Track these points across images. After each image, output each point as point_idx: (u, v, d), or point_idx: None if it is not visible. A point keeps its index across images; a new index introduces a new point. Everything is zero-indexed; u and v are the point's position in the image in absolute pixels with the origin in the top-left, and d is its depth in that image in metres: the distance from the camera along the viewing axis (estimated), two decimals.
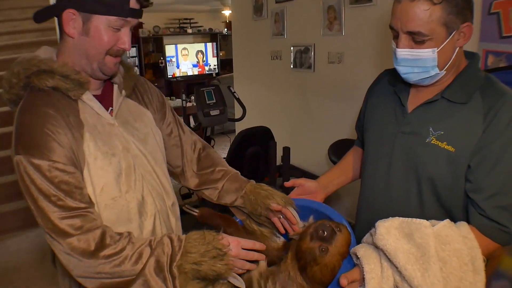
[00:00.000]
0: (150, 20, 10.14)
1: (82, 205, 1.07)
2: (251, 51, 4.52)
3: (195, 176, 1.50)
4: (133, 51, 10.02)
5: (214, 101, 3.13)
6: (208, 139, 3.55)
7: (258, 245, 1.16)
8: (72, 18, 1.10)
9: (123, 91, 1.27)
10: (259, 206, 1.33)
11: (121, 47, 1.13)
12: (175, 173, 1.49)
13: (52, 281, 3.08)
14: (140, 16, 1.15)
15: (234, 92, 3.41)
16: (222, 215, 1.23)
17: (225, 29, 11.25)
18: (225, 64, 11.14)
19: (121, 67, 1.30)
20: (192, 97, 6.73)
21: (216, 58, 10.65)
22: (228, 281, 1.11)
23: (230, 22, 10.91)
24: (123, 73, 1.30)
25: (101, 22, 1.09)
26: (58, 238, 1.04)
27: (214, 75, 10.56)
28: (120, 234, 1.09)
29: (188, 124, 7.12)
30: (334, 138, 3.02)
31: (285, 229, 1.33)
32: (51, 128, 1.06)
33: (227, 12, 9.46)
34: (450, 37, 1.12)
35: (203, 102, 3.10)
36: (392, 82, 1.38)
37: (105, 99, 1.22)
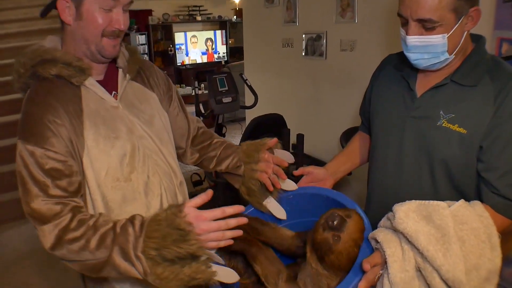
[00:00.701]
0: (159, 8, 10.13)
1: (66, 194, 1.12)
2: (262, 39, 4.51)
3: (196, 152, 1.53)
4: (142, 39, 10.03)
5: (227, 88, 3.14)
6: (219, 127, 3.57)
7: (231, 209, 1.08)
8: (66, 6, 1.14)
9: (127, 75, 1.29)
10: (254, 153, 1.37)
11: (116, 27, 1.16)
12: (178, 154, 1.50)
13: (66, 268, 3.12)
14: None
15: (246, 79, 3.42)
16: (246, 238, 1.25)
17: (235, 17, 11.21)
18: (234, 52, 11.11)
19: (125, 51, 1.33)
20: (202, 85, 6.75)
21: (225, 45, 10.63)
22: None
23: (239, 9, 10.87)
24: (128, 57, 1.33)
25: (92, 4, 1.12)
26: (35, 222, 1.11)
27: (223, 63, 10.55)
28: (91, 216, 1.12)
29: (198, 111, 7.15)
30: (345, 126, 3.03)
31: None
32: (50, 119, 1.12)
33: (237, 0, 9.41)
34: (459, 22, 1.14)
35: (215, 90, 3.11)
36: (398, 67, 1.40)
37: (109, 84, 1.26)
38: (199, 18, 10.64)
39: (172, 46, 9.92)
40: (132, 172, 1.23)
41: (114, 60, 1.28)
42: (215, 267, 1.08)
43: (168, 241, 1.01)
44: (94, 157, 1.17)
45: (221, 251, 1.18)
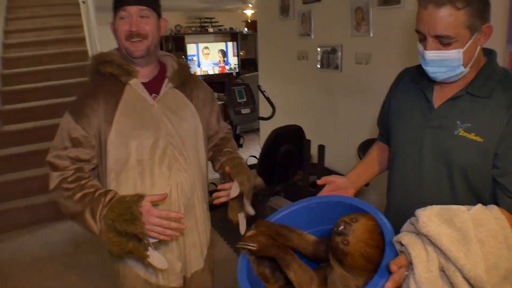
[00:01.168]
0: (172, 19, 10.28)
1: (78, 159, 1.47)
2: (277, 51, 4.60)
3: (211, 151, 1.80)
4: None
5: (245, 99, 3.23)
6: (237, 137, 3.64)
7: (173, 214, 1.39)
8: (111, 23, 1.49)
9: (170, 83, 1.55)
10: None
11: (130, 30, 1.42)
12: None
13: (85, 272, 3.21)
14: (139, 3, 1.42)
15: (264, 91, 3.50)
16: (279, 245, 1.32)
17: (246, 29, 11.34)
18: (245, 64, 11.22)
19: (176, 64, 1.61)
20: (216, 96, 6.86)
21: (236, 57, 10.75)
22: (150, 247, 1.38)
23: (250, 21, 11.02)
24: (176, 69, 1.59)
25: (117, 18, 1.43)
26: (50, 168, 1.48)
27: (234, 74, 10.66)
28: (84, 178, 1.46)
29: None
30: (362, 138, 3.08)
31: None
32: (89, 103, 1.46)
33: (248, 12, 9.53)
34: (473, 37, 1.22)
35: (234, 101, 3.19)
36: (415, 80, 1.47)
37: (152, 87, 1.53)
38: (211, 29, 10.78)
39: (184, 57, 10.05)
40: (150, 159, 1.49)
41: (164, 71, 1.58)
42: (150, 252, 1.38)
43: (121, 218, 1.32)
44: (115, 143, 1.46)
45: (253, 256, 1.28)
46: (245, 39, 11.28)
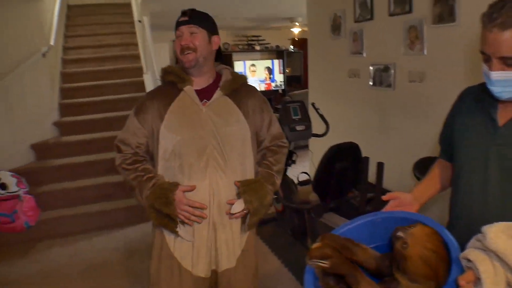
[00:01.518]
0: (220, 37, 10.54)
1: (134, 146, 1.81)
2: (327, 69, 4.63)
3: (258, 155, 1.93)
4: None
5: (300, 116, 3.28)
6: (290, 153, 3.69)
7: (197, 204, 1.70)
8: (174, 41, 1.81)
9: (221, 91, 1.76)
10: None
11: (181, 45, 1.70)
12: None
13: (138, 278, 3.30)
14: (188, 23, 1.69)
15: (318, 108, 3.54)
16: (348, 262, 1.35)
17: (291, 46, 11.47)
18: (291, 81, 11.32)
19: (230, 75, 1.82)
20: None
21: (282, 74, 10.87)
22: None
23: (297, 39, 11.15)
24: (229, 79, 1.80)
25: (176, 38, 1.73)
26: (116, 150, 1.85)
27: (280, 91, 10.77)
28: (139, 162, 1.80)
29: None
30: (415, 156, 3.05)
31: None
32: (147, 104, 1.79)
33: (295, 30, 9.65)
34: None
35: (289, 117, 3.25)
36: (478, 99, 1.49)
37: (204, 94, 1.75)
38: (257, 47, 10.97)
39: None
40: (187, 155, 1.72)
41: (219, 81, 1.81)
42: (180, 227, 1.73)
43: (159, 201, 1.67)
44: (164, 136, 1.73)
45: (322, 271, 1.34)
46: (290, 57, 11.40)
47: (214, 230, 1.77)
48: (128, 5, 7.89)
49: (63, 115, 5.61)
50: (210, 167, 1.72)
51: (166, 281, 1.82)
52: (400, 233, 1.21)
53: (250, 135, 1.81)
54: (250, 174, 1.83)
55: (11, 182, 4.21)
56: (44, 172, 4.79)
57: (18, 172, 4.40)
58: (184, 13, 1.74)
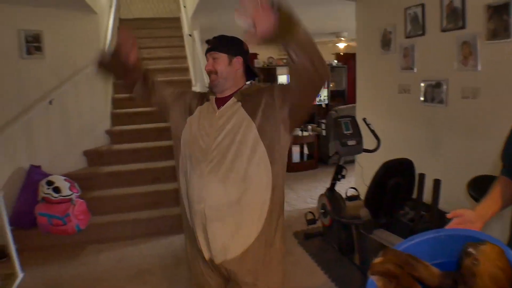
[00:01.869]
0: (265, 51, 10.69)
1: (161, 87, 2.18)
2: (376, 84, 4.62)
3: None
4: None
5: (351, 131, 3.30)
6: (340, 168, 3.70)
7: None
8: None
9: (234, 98, 1.92)
10: None
11: (206, 69, 1.97)
12: None
13: (186, 285, 3.36)
14: (211, 50, 1.95)
15: (369, 124, 3.54)
16: (412, 279, 1.35)
17: (335, 61, 11.47)
18: (335, 95, 11.30)
19: (246, 85, 2.01)
20: (309, 127, 6.99)
21: (326, 89, 10.86)
22: None
23: (341, 54, 11.14)
24: (246, 88, 1.98)
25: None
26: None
27: (323, 105, 10.76)
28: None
29: (301, 152, 7.35)
30: (468, 174, 2.98)
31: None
32: (190, 95, 2.09)
33: (341, 45, 9.66)
34: None
35: (340, 132, 3.27)
36: None
37: (223, 101, 1.93)
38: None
39: None
40: (194, 148, 1.88)
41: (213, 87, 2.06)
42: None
43: None
44: (189, 125, 1.95)
45: (381, 281, 1.32)
46: (334, 71, 11.39)
47: (205, 224, 1.85)
48: (177, 20, 8.17)
49: (114, 124, 5.82)
50: (212, 165, 1.82)
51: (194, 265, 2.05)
52: (471, 250, 1.20)
53: (262, 141, 1.84)
54: (257, 179, 1.84)
55: (65, 186, 4.40)
56: (95, 178, 4.99)
57: (70, 177, 4.61)
58: (207, 41, 2.04)
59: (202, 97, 2.07)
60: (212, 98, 1.99)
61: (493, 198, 1.72)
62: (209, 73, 1.98)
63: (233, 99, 1.93)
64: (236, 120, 1.86)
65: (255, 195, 1.84)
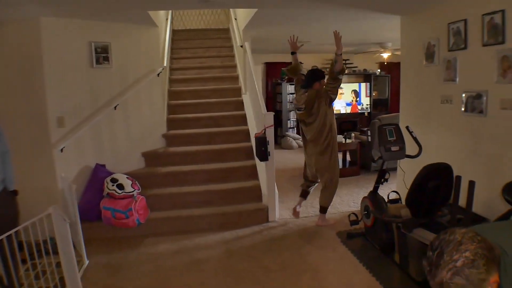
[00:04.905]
0: (309, 60, 10.95)
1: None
2: (420, 94, 4.80)
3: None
4: (291, 89, 10.86)
5: (394, 138, 3.54)
6: (383, 172, 3.94)
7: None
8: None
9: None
10: None
11: None
12: None
13: (241, 275, 3.67)
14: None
15: (412, 131, 3.76)
16: None
17: (378, 70, 11.59)
18: (377, 104, 11.42)
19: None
20: (353, 134, 7.21)
21: (369, 97, 11.01)
22: None
23: (384, 63, 11.27)
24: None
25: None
26: None
27: (366, 114, 10.91)
28: None
29: (344, 159, 7.57)
30: (503, 180, 3.13)
31: None
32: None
33: (385, 55, 9.81)
34: None
35: (384, 139, 3.52)
36: None
37: None
38: (346, 71, 11.21)
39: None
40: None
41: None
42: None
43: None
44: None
45: None
46: (377, 80, 11.52)
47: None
48: (227, 30, 8.58)
49: (169, 129, 6.26)
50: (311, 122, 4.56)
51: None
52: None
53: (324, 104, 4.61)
54: (328, 123, 4.63)
55: (127, 183, 4.83)
56: (152, 177, 5.42)
57: (131, 176, 5.03)
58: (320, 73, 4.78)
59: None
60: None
61: None
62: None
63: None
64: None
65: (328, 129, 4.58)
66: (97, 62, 5.05)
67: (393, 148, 3.54)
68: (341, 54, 4.55)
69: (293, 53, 4.98)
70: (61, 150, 4.47)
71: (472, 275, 1.24)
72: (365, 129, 7.57)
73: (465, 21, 3.94)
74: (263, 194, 5.18)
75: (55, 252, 3.14)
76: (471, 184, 2.77)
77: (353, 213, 4.41)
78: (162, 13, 6.76)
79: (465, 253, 1.25)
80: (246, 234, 4.65)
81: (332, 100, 4.62)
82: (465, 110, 3.99)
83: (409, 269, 3.44)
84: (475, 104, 3.86)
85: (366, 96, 10.97)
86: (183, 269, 3.85)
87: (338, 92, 4.69)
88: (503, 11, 3.47)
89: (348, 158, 7.64)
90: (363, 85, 10.95)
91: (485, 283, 1.26)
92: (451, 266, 1.26)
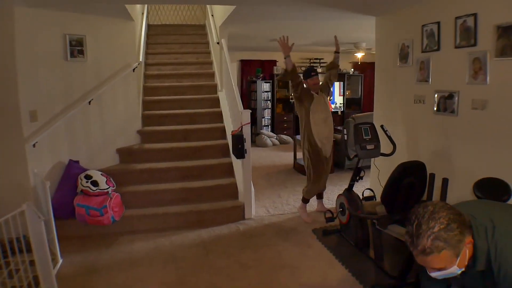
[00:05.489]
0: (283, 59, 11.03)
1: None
2: (393, 94, 4.90)
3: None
4: (266, 86, 10.90)
5: (370, 137, 3.61)
6: (359, 170, 4.01)
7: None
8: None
9: (321, 92, 4.83)
10: None
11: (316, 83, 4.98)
12: None
13: (218, 271, 3.69)
14: (317, 74, 4.94)
15: (387, 130, 3.85)
16: None
17: (352, 70, 11.76)
18: (350, 103, 11.58)
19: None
20: None
21: (342, 96, 11.16)
22: None
23: (357, 63, 11.43)
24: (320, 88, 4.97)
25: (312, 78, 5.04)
26: None
27: (339, 113, 11.05)
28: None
29: None
30: (474, 177, 3.25)
31: None
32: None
33: (359, 55, 9.95)
34: None
35: (360, 137, 3.59)
36: None
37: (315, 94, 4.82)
38: (319, 69, 11.33)
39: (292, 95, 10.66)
40: (320, 116, 4.77)
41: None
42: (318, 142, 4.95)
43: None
44: (312, 112, 4.82)
45: None
46: (351, 80, 11.68)
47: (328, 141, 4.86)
48: (203, 27, 8.54)
49: (144, 125, 6.20)
50: (327, 122, 4.80)
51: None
52: None
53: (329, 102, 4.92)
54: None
55: (102, 180, 4.77)
56: (127, 174, 5.36)
57: (105, 172, 4.97)
58: (313, 71, 4.92)
59: (310, 93, 4.81)
60: (314, 93, 4.76)
61: None
62: (316, 84, 4.86)
63: (320, 92, 4.82)
64: (324, 98, 4.78)
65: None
66: (72, 55, 4.95)
67: (369, 147, 3.62)
68: (338, 52, 5.42)
69: (287, 57, 4.82)
70: (34, 145, 4.35)
71: (449, 238, 1.43)
72: (339, 127, 7.66)
73: (439, 23, 4.05)
74: (239, 191, 5.20)
75: (29, 250, 3.09)
76: (445, 181, 2.87)
77: (329, 210, 4.47)
78: (138, 7, 6.68)
79: (439, 219, 1.45)
80: (222, 231, 4.66)
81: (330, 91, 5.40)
82: (438, 110, 4.10)
83: (384, 264, 3.52)
84: (447, 104, 3.97)
85: (340, 95, 11.11)
86: (160, 267, 3.83)
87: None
88: (475, 15, 3.58)
89: None
90: (336, 84, 11.08)
91: (461, 244, 1.47)
92: (429, 233, 1.44)
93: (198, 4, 8.45)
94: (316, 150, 4.81)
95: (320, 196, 5.30)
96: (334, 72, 5.26)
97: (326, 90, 5.07)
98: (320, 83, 4.99)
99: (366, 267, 3.65)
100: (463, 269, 1.55)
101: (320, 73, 11.26)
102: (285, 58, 4.83)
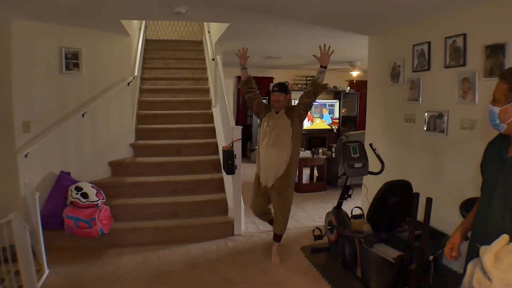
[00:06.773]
0: (280, 76, 11.10)
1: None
2: (385, 113, 4.94)
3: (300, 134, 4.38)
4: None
5: (358, 155, 3.62)
6: (347, 188, 4.02)
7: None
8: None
9: (282, 110, 4.05)
10: None
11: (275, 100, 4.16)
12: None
13: (203, 286, 3.68)
14: (279, 91, 4.14)
15: (375, 149, 3.87)
16: None
17: (348, 88, 11.82)
18: (346, 121, 11.62)
19: (288, 105, 4.16)
20: (320, 150, 7.31)
21: (338, 114, 11.20)
22: None
23: (354, 81, 11.51)
24: (287, 106, 4.12)
25: (273, 95, 4.38)
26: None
27: (335, 130, 11.08)
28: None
29: (312, 174, 7.65)
30: (462, 197, 3.27)
31: None
32: (263, 108, 4.35)
33: (354, 73, 10.03)
34: None
35: (348, 155, 3.60)
36: (498, 141, 1.95)
37: (276, 112, 4.09)
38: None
39: None
40: (265, 138, 4.07)
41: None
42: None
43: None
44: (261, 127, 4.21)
45: None
46: (346, 98, 11.74)
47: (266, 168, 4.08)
48: (200, 43, 8.61)
49: (138, 138, 6.20)
50: (275, 145, 3.98)
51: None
52: None
53: (291, 130, 3.98)
54: (290, 150, 3.98)
55: (92, 192, 4.75)
56: (119, 187, 5.34)
57: (96, 185, 4.96)
58: (276, 86, 4.16)
59: (268, 109, 4.13)
60: (273, 111, 4.10)
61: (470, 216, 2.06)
62: (276, 102, 4.05)
63: (282, 111, 4.04)
64: (281, 120, 4.02)
65: (290, 155, 3.99)
66: (67, 68, 4.99)
67: (356, 165, 3.63)
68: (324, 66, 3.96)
69: (243, 69, 4.44)
70: (26, 155, 4.37)
71: None
72: (333, 145, 7.69)
73: (429, 43, 4.11)
74: (229, 207, 5.18)
75: (14, 260, 3.07)
76: (428, 200, 2.87)
77: (317, 228, 4.46)
78: (135, 22, 6.74)
79: None
80: (211, 247, 4.64)
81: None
82: (427, 129, 4.13)
83: (371, 283, 3.50)
84: (437, 123, 4.00)
85: (329, 115, 11.16)
86: (147, 281, 3.80)
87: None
88: (464, 35, 3.63)
89: (315, 173, 7.73)
90: (332, 102, 11.14)
91: None
92: None
93: (194, 21, 8.53)
94: (256, 174, 4.30)
95: (276, 238, 4.29)
96: (307, 91, 4.00)
97: (296, 114, 3.98)
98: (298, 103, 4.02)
99: (352, 286, 3.62)
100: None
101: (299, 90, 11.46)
102: (241, 70, 4.44)
